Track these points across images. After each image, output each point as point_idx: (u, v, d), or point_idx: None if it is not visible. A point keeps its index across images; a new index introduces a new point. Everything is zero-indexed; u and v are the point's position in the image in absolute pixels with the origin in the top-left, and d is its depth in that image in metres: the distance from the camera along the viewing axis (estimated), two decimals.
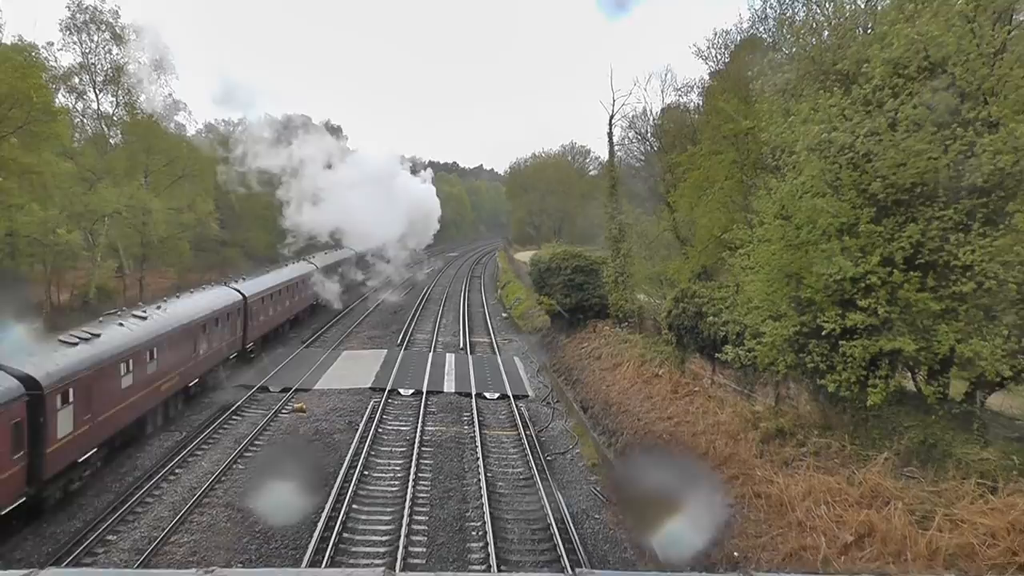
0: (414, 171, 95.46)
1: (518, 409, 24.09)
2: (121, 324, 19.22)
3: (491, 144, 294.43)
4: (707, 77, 32.72)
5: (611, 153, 31.61)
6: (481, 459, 18.86)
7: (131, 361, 18.50)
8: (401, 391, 26.07)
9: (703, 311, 18.73)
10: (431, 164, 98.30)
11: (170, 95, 47.24)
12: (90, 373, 16.41)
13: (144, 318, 20.43)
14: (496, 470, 18.55)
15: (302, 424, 21.87)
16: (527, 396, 26.38)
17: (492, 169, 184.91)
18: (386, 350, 33.64)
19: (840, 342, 12.34)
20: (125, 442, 18.74)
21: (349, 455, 18.72)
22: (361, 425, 21.40)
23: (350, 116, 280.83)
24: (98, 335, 17.71)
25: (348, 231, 63.24)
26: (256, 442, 20.10)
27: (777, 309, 13.69)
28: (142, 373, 19.12)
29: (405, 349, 34.52)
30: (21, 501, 13.95)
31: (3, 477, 13.25)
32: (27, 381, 14.19)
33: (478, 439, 20.53)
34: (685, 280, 22.53)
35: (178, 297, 24.84)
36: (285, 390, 25.55)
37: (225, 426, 21.55)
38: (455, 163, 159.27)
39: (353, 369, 29.10)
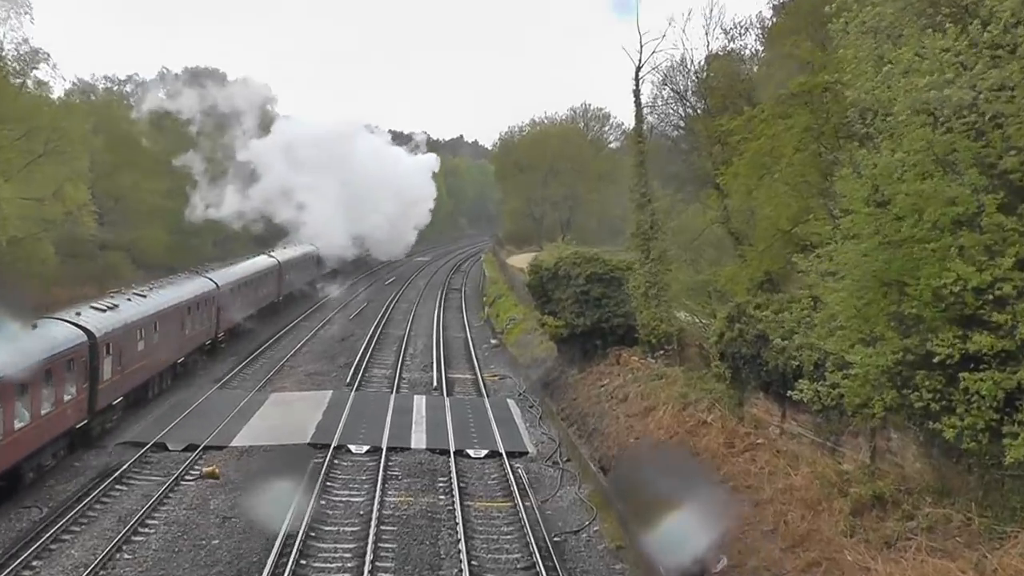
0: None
1: (514, 471, 24.00)
2: (129, 299, 29.70)
3: (473, 107, 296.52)
4: (768, 13, 32.92)
5: (638, 118, 31.64)
6: (463, 542, 18.72)
7: (143, 329, 29.40)
8: (352, 448, 26.00)
9: (767, 334, 18.70)
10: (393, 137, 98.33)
11: (26, 41, 46.36)
12: (120, 333, 27.12)
13: (144, 296, 31.11)
14: (484, 557, 18.42)
15: (214, 495, 21.69)
16: (526, 453, 26.38)
17: (475, 141, 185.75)
18: (331, 391, 33.63)
19: (961, 374, 12.26)
20: (135, 401, 29.11)
21: (280, 538, 18.51)
22: (297, 495, 21.17)
23: (275, 73, 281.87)
24: (117, 305, 28.02)
25: (289, 224, 63.25)
26: (149, 521, 19.86)
27: (871, 330, 13.61)
28: (150, 341, 30.00)
29: (357, 390, 34.51)
30: (84, 423, 24.62)
31: (78, 399, 24.08)
32: (86, 332, 24.70)
33: (459, 514, 20.42)
34: (742, 291, 22.56)
35: (162, 282, 35.46)
36: (190, 448, 25.46)
37: (105, 499, 21.30)
38: (424, 134, 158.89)
39: (285, 418, 29.12)
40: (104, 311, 26.92)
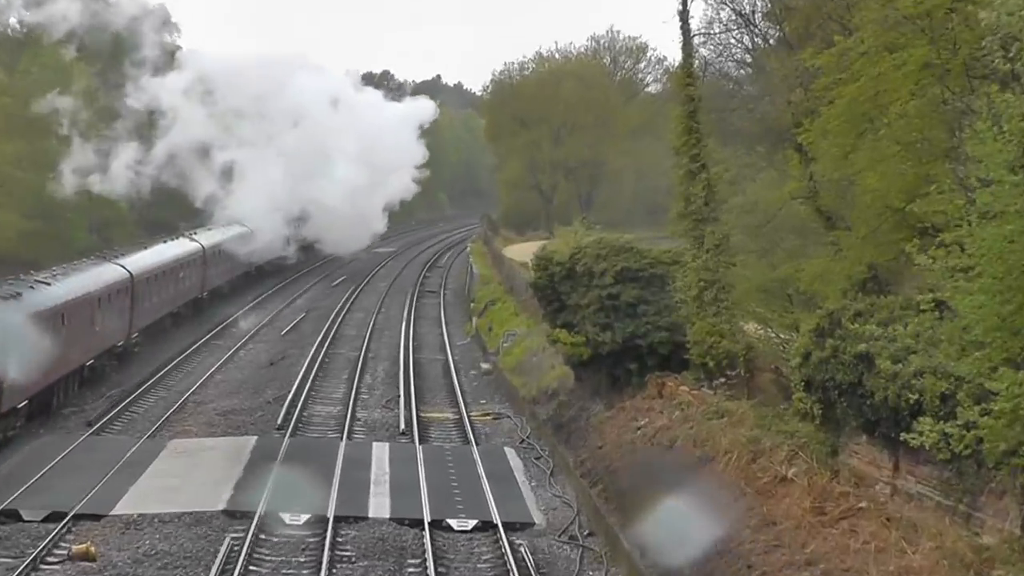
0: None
1: (515, 550, 24.00)
2: (32, 287, 34.52)
3: (456, 36, 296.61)
4: None
5: (687, 51, 31.64)
6: None
7: (49, 323, 33.83)
8: (285, 517, 26.00)
9: (872, 353, 18.70)
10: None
11: None
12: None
13: (48, 284, 36.01)
14: None
15: None
16: (532, 524, 26.46)
17: (460, 85, 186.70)
18: (255, 437, 33.75)
19: None
20: (35, 410, 33.37)
21: None
22: None
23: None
24: (20, 294, 32.81)
25: (208, 201, 63.87)
26: None
27: (1021, 347, 13.58)
28: (57, 337, 34.22)
29: (293, 435, 34.55)
30: None
31: None
32: None
33: None
34: (836, 294, 22.59)
35: (66, 269, 40.31)
36: (54, 517, 25.36)
37: None
38: (387, 74, 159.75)
39: (191, 475, 29.21)
40: (7, 299, 31.57)
